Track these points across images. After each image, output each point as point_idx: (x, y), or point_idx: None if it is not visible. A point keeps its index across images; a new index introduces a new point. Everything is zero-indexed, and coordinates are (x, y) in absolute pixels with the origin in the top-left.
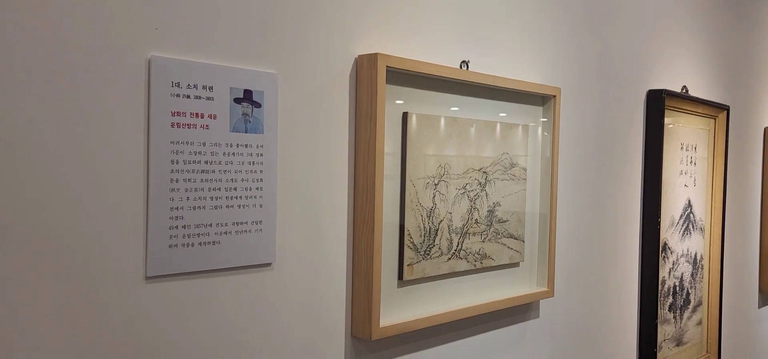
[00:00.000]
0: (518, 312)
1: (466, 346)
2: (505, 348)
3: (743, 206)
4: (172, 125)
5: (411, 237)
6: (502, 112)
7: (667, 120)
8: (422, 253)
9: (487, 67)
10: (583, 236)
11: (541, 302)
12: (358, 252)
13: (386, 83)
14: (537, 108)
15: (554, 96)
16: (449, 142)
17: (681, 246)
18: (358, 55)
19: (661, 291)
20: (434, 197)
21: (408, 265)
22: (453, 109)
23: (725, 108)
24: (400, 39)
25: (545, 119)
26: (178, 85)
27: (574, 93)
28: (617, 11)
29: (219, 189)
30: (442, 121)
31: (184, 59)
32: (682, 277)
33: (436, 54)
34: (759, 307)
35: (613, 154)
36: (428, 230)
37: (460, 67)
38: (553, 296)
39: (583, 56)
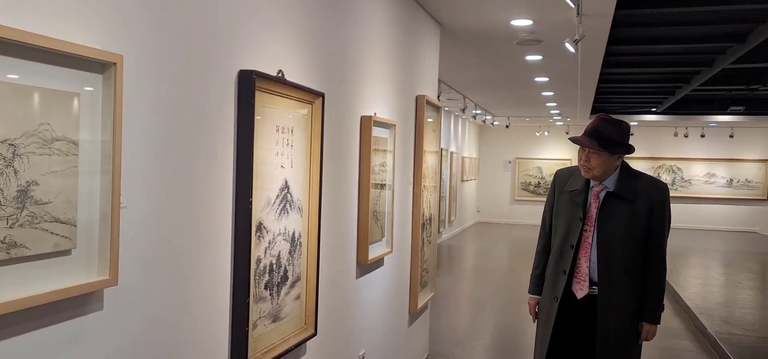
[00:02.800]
0: (70, 306)
1: None
2: (56, 349)
3: (342, 187)
4: None
5: None
6: (41, 75)
7: (262, 102)
8: None
9: (14, 19)
10: (165, 220)
11: (107, 294)
12: None
13: None
14: (95, 76)
15: (115, 64)
16: None
17: (278, 225)
18: None
19: (257, 269)
20: None
21: None
22: None
23: (321, 95)
24: None
25: (106, 90)
26: None
27: (150, 64)
28: None
29: None
30: None
31: None
32: (279, 255)
33: None
34: (357, 278)
35: (202, 133)
36: None
37: None
38: (116, 284)
39: (161, 24)
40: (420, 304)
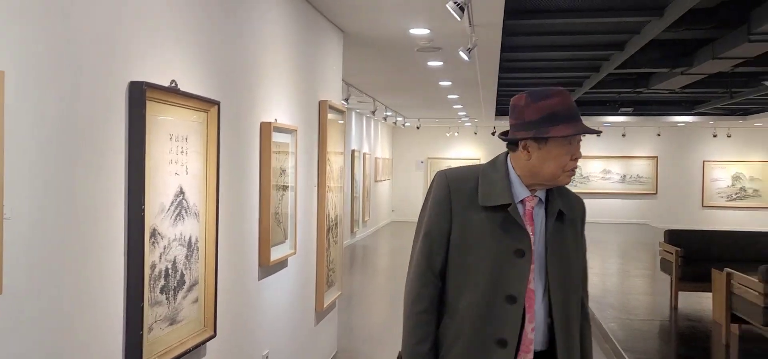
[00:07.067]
0: None
1: None
2: None
3: (242, 191)
4: None
5: None
6: None
7: (154, 111)
8: None
9: None
10: (53, 229)
11: None
12: None
13: None
14: None
15: None
16: None
17: (173, 231)
18: None
19: (152, 274)
20: None
21: None
22: None
23: (216, 103)
24: None
25: None
26: None
27: (35, 77)
28: None
29: None
30: None
31: None
32: (175, 260)
33: None
34: (259, 279)
35: (91, 144)
36: None
37: None
38: (1, 293)
39: (46, 39)
40: (326, 303)
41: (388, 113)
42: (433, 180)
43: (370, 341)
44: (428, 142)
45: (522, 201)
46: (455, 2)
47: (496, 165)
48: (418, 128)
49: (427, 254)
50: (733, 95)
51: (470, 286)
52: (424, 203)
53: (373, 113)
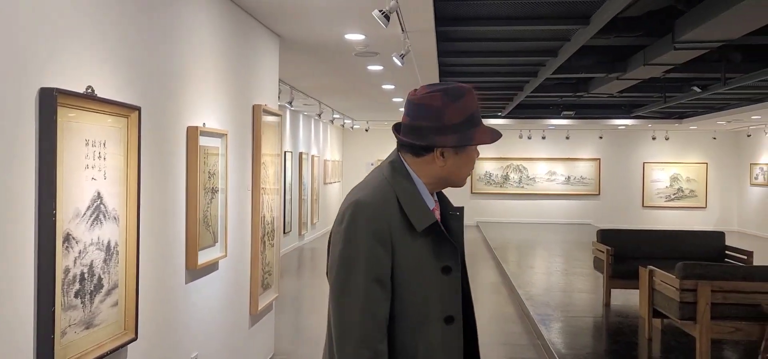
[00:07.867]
0: None
1: None
2: None
3: (168, 195)
4: None
5: None
6: None
7: (68, 117)
8: None
9: None
10: None
11: None
12: None
13: None
14: None
15: None
16: None
17: (90, 235)
18: None
19: (65, 279)
20: None
21: None
22: None
23: (137, 108)
24: None
25: None
26: None
27: None
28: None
29: None
30: None
31: None
32: (92, 264)
33: None
34: (187, 283)
35: None
36: None
37: None
38: None
39: None
40: (261, 306)
41: (336, 116)
42: (350, 213)
43: (309, 343)
44: (378, 144)
45: (432, 210)
46: (380, 10)
47: (400, 174)
48: (366, 130)
49: (375, 306)
50: (667, 100)
51: (429, 323)
52: (346, 245)
53: (319, 115)
